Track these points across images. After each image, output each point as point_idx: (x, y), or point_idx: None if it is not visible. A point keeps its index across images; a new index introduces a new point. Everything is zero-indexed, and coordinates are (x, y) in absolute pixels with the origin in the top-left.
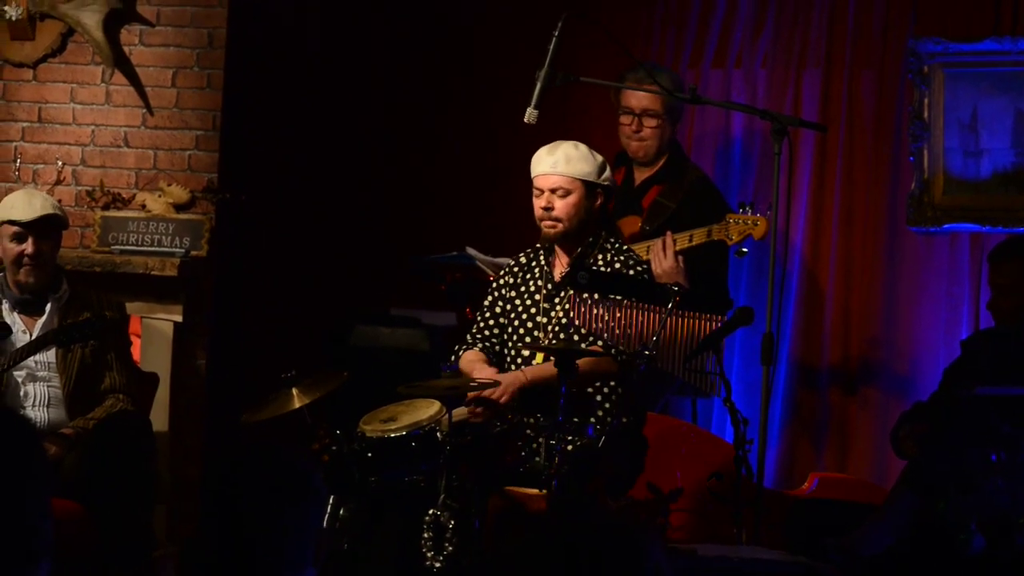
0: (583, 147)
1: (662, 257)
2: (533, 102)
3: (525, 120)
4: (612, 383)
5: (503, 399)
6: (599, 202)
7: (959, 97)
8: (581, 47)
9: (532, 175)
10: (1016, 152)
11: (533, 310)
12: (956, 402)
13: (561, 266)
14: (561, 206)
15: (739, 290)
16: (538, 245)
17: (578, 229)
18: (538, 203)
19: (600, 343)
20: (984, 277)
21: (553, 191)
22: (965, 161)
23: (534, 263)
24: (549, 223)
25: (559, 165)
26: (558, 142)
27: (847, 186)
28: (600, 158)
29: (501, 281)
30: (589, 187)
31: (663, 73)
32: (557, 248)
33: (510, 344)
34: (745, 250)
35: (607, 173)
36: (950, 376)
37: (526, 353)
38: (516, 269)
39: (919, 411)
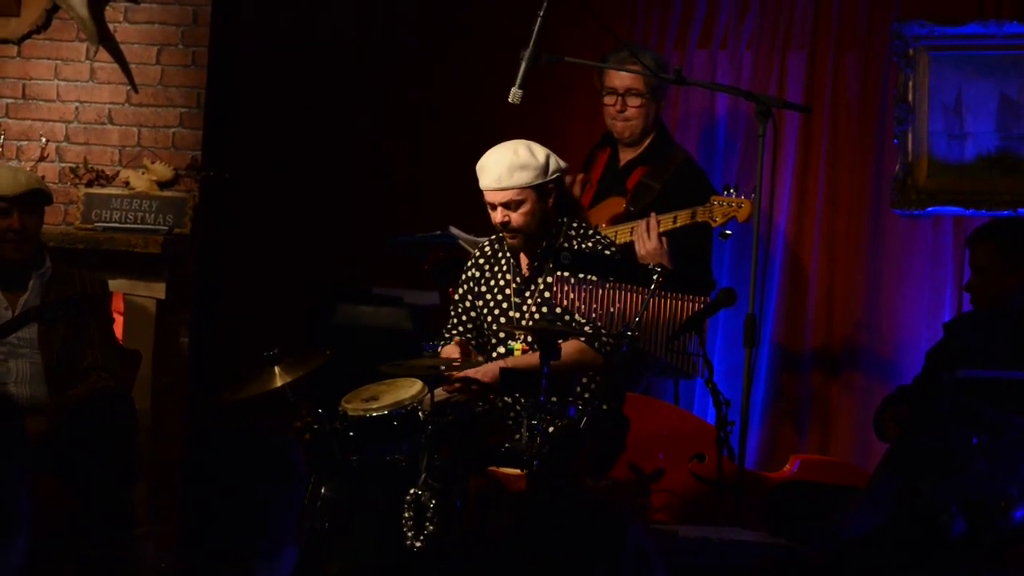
0: (522, 151)
1: (646, 238)
2: (517, 82)
3: (509, 100)
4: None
5: (485, 378)
6: (553, 196)
7: (944, 80)
8: (566, 27)
9: (480, 185)
10: (1000, 136)
11: (505, 305)
12: (939, 385)
13: (527, 259)
14: (517, 217)
15: (722, 271)
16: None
17: (540, 230)
18: (494, 216)
19: (586, 328)
20: (967, 260)
21: (506, 205)
22: (949, 144)
23: (500, 255)
24: (510, 235)
25: (503, 179)
26: (496, 150)
27: (831, 168)
28: (542, 155)
29: (468, 274)
30: (539, 189)
31: (646, 53)
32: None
33: (487, 336)
34: (729, 232)
35: (553, 165)
36: (933, 359)
37: (502, 349)
38: (482, 261)
39: (902, 394)
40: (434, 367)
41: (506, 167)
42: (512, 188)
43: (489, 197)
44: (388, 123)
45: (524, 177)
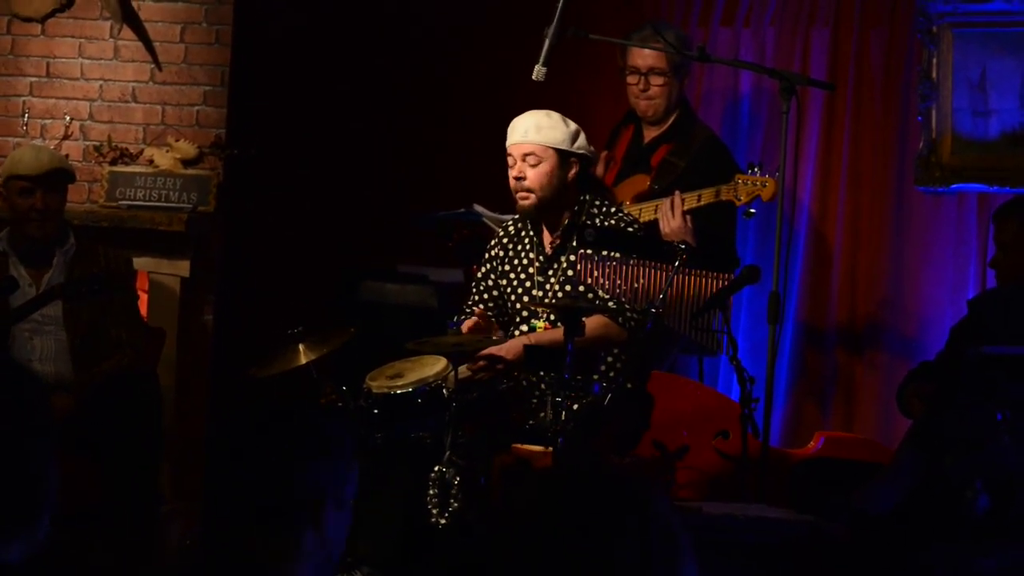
0: (555, 115)
1: (670, 216)
2: (541, 59)
3: (533, 77)
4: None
5: (508, 355)
6: (574, 171)
7: (968, 57)
8: (589, 5)
9: (507, 143)
10: None
11: (528, 284)
12: (963, 361)
13: (550, 237)
14: (533, 175)
15: (746, 248)
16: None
17: (553, 200)
18: (511, 173)
19: (609, 304)
20: (992, 237)
21: (524, 159)
22: (973, 121)
23: (524, 234)
24: (522, 194)
25: (530, 133)
26: (530, 112)
27: (855, 145)
28: (573, 126)
29: (492, 253)
30: (562, 156)
31: (669, 30)
32: (542, 223)
33: (510, 315)
34: (753, 211)
35: (581, 141)
36: (957, 335)
37: (525, 328)
38: (505, 240)
39: (925, 370)
40: (459, 345)
41: (534, 124)
42: (536, 144)
43: (512, 150)
44: (413, 100)
45: (550, 136)
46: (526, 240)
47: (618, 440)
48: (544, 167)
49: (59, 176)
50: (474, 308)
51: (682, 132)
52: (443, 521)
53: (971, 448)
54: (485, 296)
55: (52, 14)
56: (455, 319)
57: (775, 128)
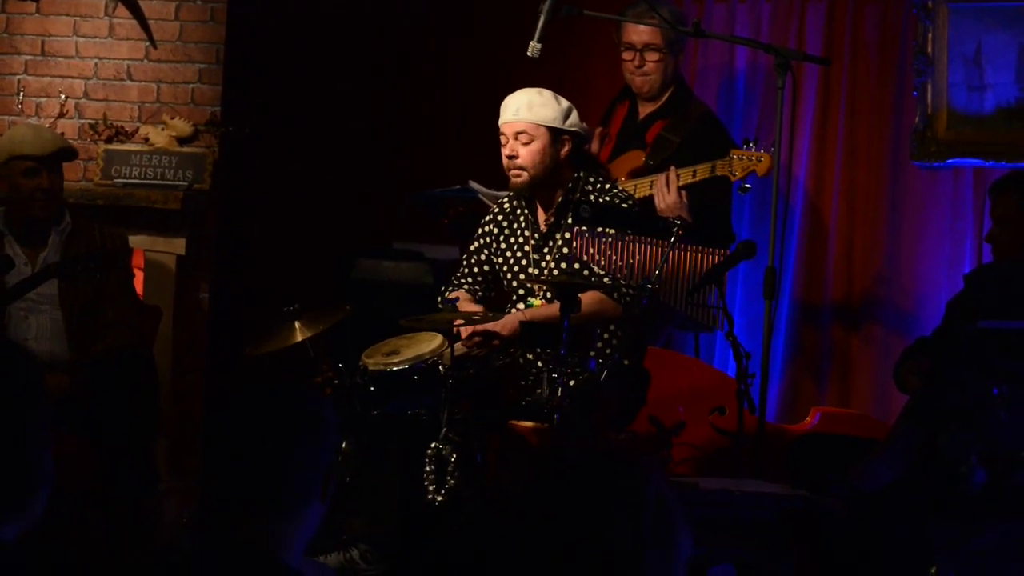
0: (547, 93)
1: (665, 192)
2: (536, 35)
3: (528, 54)
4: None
5: (504, 331)
6: (567, 148)
7: (963, 32)
8: None
9: (499, 121)
10: (1020, 87)
11: (524, 261)
12: (959, 336)
13: (544, 215)
14: (525, 153)
15: (742, 224)
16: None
17: (546, 177)
18: (504, 151)
19: (605, 280)
20: (988, 211)
21: (516, 137)
22: (969, 96)
23: (519, 211)
24: (515, 172)
25: (521, 111)
26: (523, 90)
27: (850, 120)
28: (565, 103)
29: (485, 229)
30: (554, 133)
31: (664, 6)
32: (536, 200)
33: (506, 292)
34: (748, 186)
35: (573, 119)
36: (953, 310)
37: (522, 306)
38: (500, 218)
39: (922, 346)
40: (454, 321)
41: (526, 102)
42: (528, 122)
43: (504, 129)
44: (408, 78)
45: (542, 114)
46: (521, 217)
47: (614, 416)
48: (536, 145)
49: (63, 156)
50: (463, 282)
51: (677, 108)
52: (439, 498)
53: (967, 423)
54: (476, 271)
55: None
56: (444, 289)
57: (771, 104)
